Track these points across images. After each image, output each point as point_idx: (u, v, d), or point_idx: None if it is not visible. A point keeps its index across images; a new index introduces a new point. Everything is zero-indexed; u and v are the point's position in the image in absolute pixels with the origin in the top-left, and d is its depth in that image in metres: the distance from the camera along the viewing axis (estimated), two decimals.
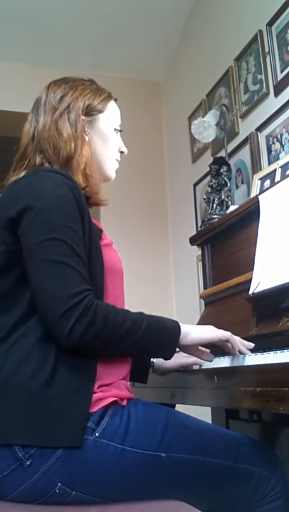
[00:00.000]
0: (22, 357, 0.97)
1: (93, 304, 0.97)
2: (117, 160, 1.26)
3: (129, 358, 1.14)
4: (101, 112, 1.21)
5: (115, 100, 1.27)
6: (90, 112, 1.19)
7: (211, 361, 1.19)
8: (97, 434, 0.95)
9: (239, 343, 1.15)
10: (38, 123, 1.17)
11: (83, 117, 1.17)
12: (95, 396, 0.98)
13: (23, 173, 1.13)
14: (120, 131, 1.26)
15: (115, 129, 1.24)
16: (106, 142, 1.22)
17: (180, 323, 1.10)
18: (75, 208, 1.03)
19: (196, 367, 1.31)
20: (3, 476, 0.93)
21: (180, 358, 1.30)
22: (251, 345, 1.17)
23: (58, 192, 1.03)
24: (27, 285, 1.01)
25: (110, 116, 1.23)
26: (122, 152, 1.28)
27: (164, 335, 1.07)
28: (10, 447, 0.92)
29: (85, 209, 1.06)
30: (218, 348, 1.19)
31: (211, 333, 1.13)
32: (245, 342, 1.17)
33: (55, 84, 1.21)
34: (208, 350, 1.18)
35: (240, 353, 1.14)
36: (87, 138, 1.17)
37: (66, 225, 1.00)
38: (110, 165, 1.24)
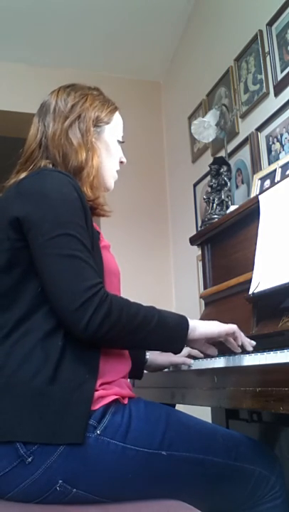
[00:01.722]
0: (25, 355, 0.98)
1: (108, 296, 0.99)
2: (116, 171, 1.28)
3: (129, 357, 1.15)
4: (107, 123, 1.23)
5: (119, 111, 1.28)
6: (98, 123, 1.20)
7: (216, 355, 1.22)
8: (98, 432, 0.95)
9: (244, 337, 1.18)
10: (47, 129, 1.17)
11: (93, 128, 1.18)
12: (96, 394, 0.98)
13: (24, 175, 1.13)
14: (122, 142, 1.28)
15: (118, 141, 1.26)
16: (109, 153, 1.24)
17: (188, 318, 1.12)
18: (80, 206, 1.05)
19: (184, 367, 1.33)
20: (4, 473, 0.93)
21: (171, 356, 1.33)
22: (253, 343, 1.18)
23: (64, 190, 1.04)
24: (30, 282, 1.02)
25: (114, 128, 1.25)
26: (121, 162, 1.29)
27: (173, 329, 1.09)
28: (12, 444, 0.93)
29: (87, 209, 1.08)
30: (218, 348, 1.20)
31: (218, 327, 1.16)
32: (248, 339, 1.18)
33: (64, 91, 1.21)
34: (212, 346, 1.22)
35: (243, 348, 1.16)
36: (97, 149, 1.18)
37: (75, 222, 1.02)
38: (111, 176, 1.26)
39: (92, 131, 1.18)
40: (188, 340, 1.12)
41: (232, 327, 1.16)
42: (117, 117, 1.26)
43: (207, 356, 1.29)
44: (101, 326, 0.96)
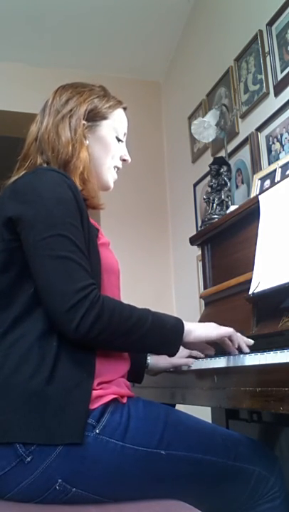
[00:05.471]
0: (22, 355, 0.98)
1: (100, 298, 0.98)
2: (116, 167, 1.26)
3: (128, 357, 1.15)
4: (104, 118, 1.21)
5: (124, 109, 1.27)
6: (92, 117, 1.19)
7: (213, 354, 1.21)
8: (97, 431, 0.95)
9: (241, 339, 1.16)
10: (42, 124, 1.18)
11: (84, 122, 1.18)
12: (95, 393, 0.98)
13: (23, 173, 1.14)
14: (120, 141, 1.25)
15: (117, 138, 1.24)
16: (105, 149, 1.22)
17: (183, 321, 1.11)
18: (74, 205, 1.04)
19: (184, 367, 1.33)
20: (3, 473, 0.93)
21: (173, 359, 1.31)
22: (251, 341, 1.18)
23: (58, 189, 1.04)
24: (26, 283, 1.02)
25: (114, 125, 1.23)
26: (124, 160, 1.27)
27: (167, 332, 1.08)
28: (11, 444, 0.93)
29: (83, 208, 1.07)
30: (218, 347, 1.20)
31: (214, 331, 1.15)
32: (245, 338, 1.18)
33: (64, 88, 1.22)
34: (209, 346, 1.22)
35: (240, 350, 1.15)
36: (86, 142, 1.17)
37: (68, 222, 1.01)
38: (107, 173, 1.24)
39: (82, 124, 1.17)
40: (183, 342, 1.11)
41: (228, 330, 1.15)
42: (118, 114, 1.24)
43: (208, 356, 1.29)
44: (92, 327, 0.96)
